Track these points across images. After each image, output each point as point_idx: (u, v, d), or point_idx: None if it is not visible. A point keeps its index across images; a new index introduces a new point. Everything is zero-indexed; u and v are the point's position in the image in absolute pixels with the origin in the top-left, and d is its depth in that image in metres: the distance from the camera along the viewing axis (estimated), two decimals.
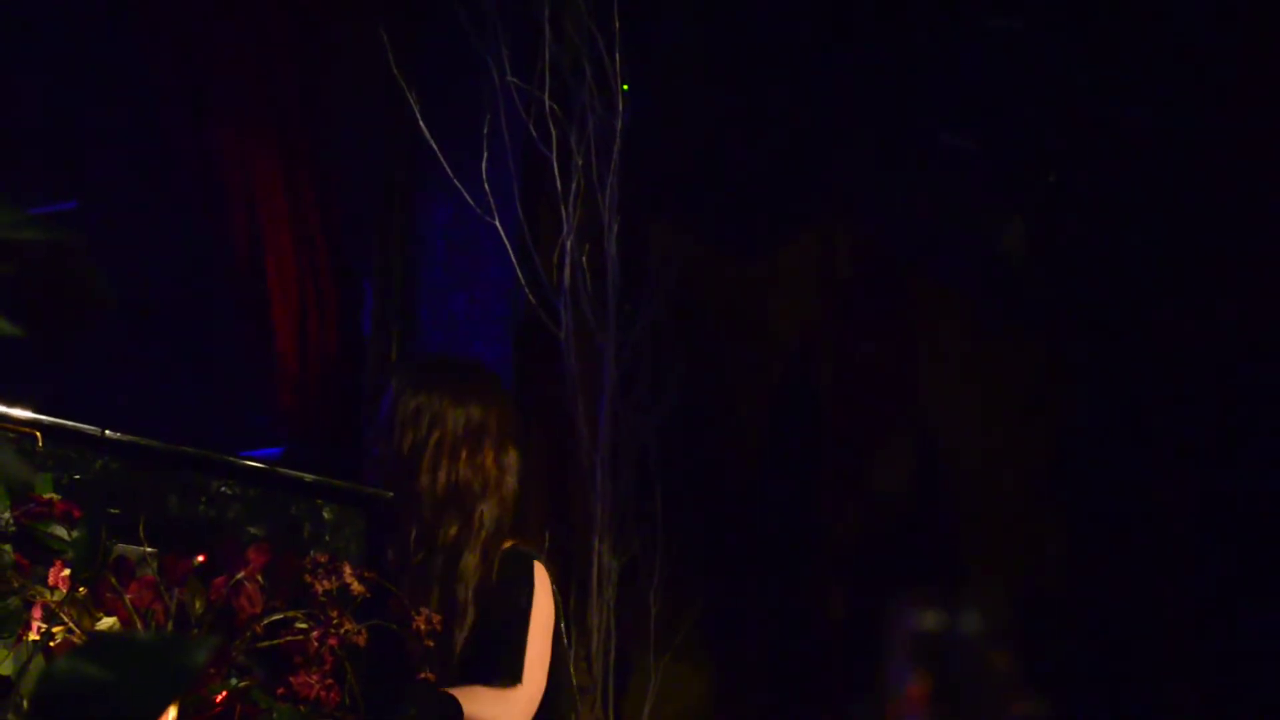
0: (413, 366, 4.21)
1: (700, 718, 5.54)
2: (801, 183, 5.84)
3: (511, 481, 3.90)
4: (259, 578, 2.95)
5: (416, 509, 3.83)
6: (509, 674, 3.74)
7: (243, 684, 2.90)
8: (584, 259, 5.11)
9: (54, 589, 2.83)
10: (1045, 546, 5.87)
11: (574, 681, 4.79)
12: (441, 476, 3.85)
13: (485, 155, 5.11)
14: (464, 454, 3.87)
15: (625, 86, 5.15)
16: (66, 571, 2.84)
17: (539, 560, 3.91)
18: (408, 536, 3.83)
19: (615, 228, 5.12)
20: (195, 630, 2.88)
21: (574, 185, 5.12)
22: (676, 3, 5.67)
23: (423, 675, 3.40)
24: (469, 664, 3.75)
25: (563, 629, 4.02)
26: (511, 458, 3.92)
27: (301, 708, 2.93)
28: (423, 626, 3.21)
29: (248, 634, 2.92)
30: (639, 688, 5.17)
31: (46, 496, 2.87)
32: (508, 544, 3.90)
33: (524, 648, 3.77)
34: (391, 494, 3.73)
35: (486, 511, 3.86)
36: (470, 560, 3.81)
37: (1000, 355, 5.92)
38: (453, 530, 3.83)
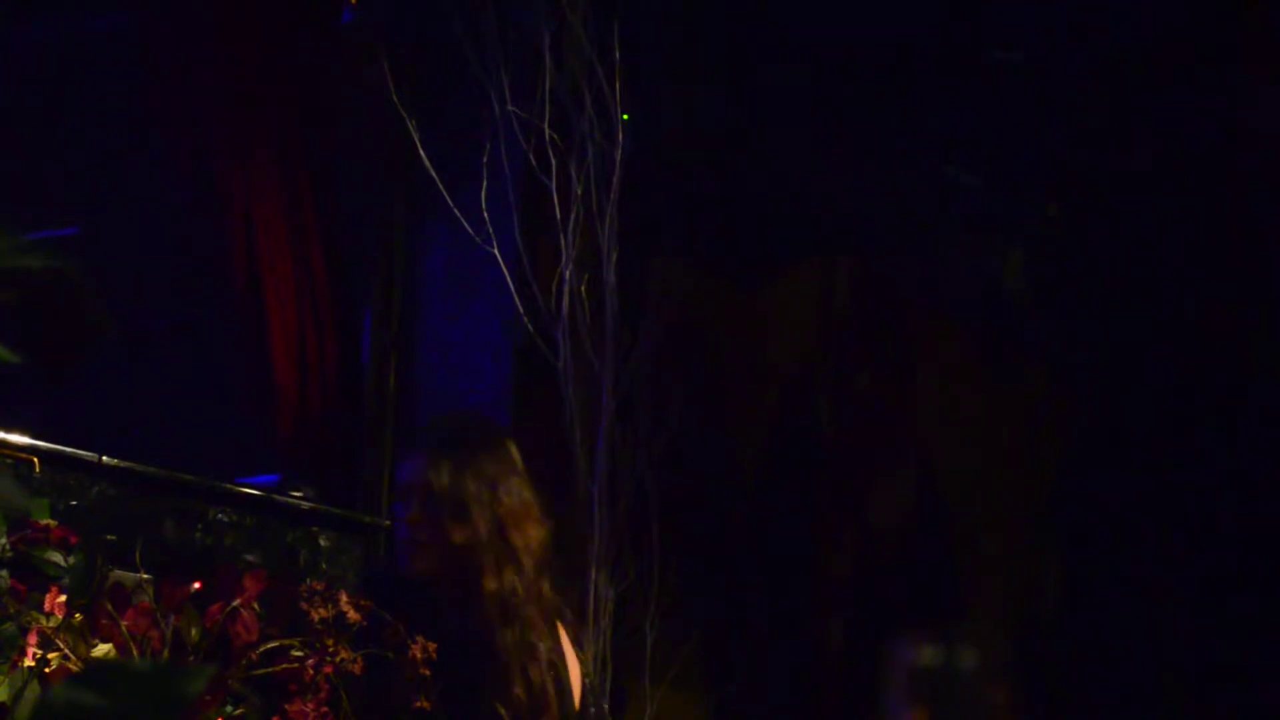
0: (441, 443, 3.97)
1: None
2: (802, 213, 5.84)
3: (549, 535, 3.85)
4: (255, 605, 2.95)
5: (479, 603, 3.72)
6: None
7: (238, 712, 2.89)
8: (583, 288, 5.11)
9: (50, 615, 2.82)
10: (1043, 580, 5.86)
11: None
12: (505, 572, 3.75)
13: (484, 183, 5.11)
14: (520, 531, 3.79)
15: (625, 116, 5.15)
16: (62, 598, 2.84)
17: (561, 620, 3.90)
18: (475, 624, 3.70)
19: (614, 257, 5.12)
20: (191, 658, 2.87)
21: (573, 214, 5.12)
22: (677, 33, 5.68)
23: (418, 704, 3.40)
24: None
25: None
26: (537, 513, 3.87)
27: None
28: (418, 655, 3.21)
29: (243, 661, 2.92)
30: (635, 717, 5.16)
31: (43, 522, 2.87)
32: None
33: None
34: (388, 522, 3.73)
35: (544, 581, 3.80)
36: (540, 635, 3.75)
37: (999, 387, 5.92)
38: (520, 612, 3.74)
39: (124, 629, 2.86)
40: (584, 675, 3.92)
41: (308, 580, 3.12)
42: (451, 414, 5.07)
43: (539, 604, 3.79)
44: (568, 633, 3.91)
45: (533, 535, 3.80)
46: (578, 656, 3.91)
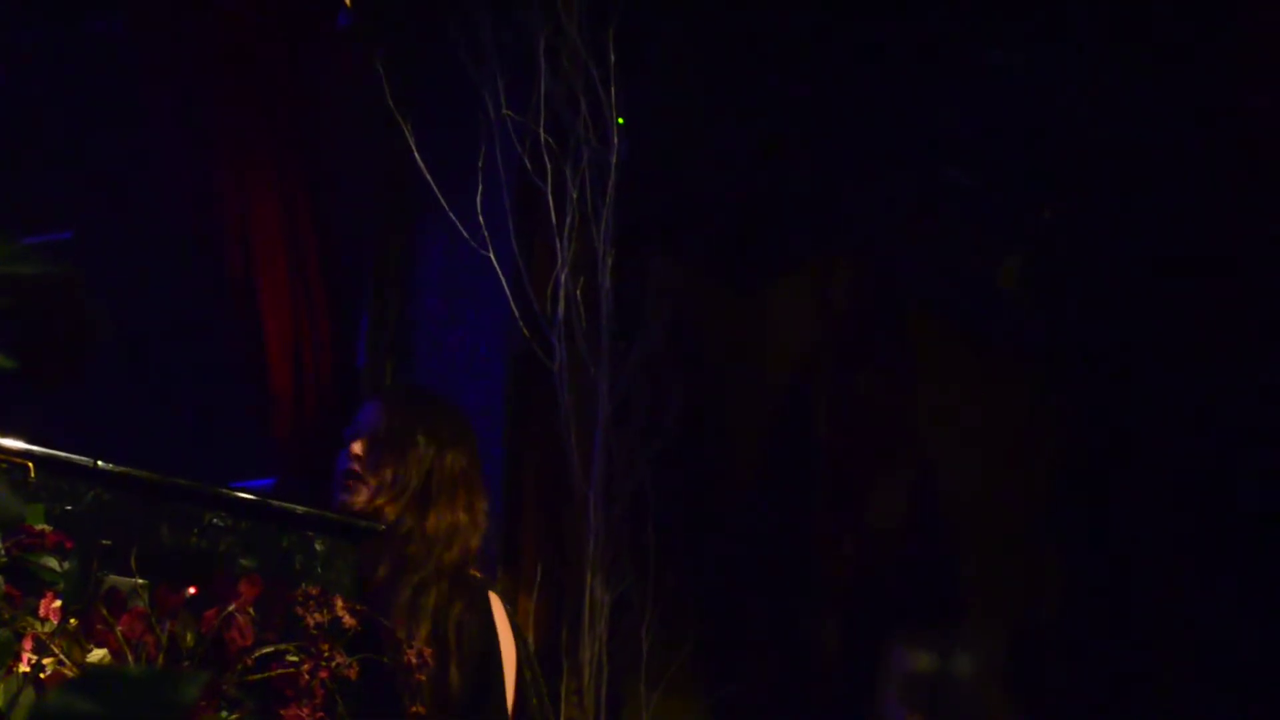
0: (412, 399, 4.32)
1: None
2: (798, 215, 5.84)
3: (484, 524, 4.09)
4: (250, 610, 2.95)
5: (406, 542, 3.93)
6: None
7: (233, 717, 2.88)
8: (578, 292, 5.10)
9: (45, 620, 2.82)
10: (1042, 584, 5.86)
11: (563, 714, 4.82)
12: (435, 516, 4.00)
13: (480, 188, 5.11)
14: (461, 496, 4.01)
15: (620, 119, 5.15)
16: (58, 603, 2.83)
17: (493, 590, 4.07)
18: (386, 564, 3.93)
19: (610, 260, 5.12)
20: (186, 663, 2.87)
21: (569, 218, 5.11)
22: (672, 36, 5.68)
23: (414, 709, 3.39)
24: (465, 704, 3.85)
25: (550, 661, 4.05)
26: (485, 503, 4.11)
27: None
28: (414, 660, 3.21)
29: (239, 667, 2.91)
30: None
31: (38, 527, 2.86)
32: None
33: (504, 696, 3.90)
34: (384, 527, 3.78)
35: (468, 549, 3.98)
36: (455, 596, 3.91)
37: (997, 389, 5.92)
38: (435, 566, 3.93)
39: (119, 634, 2.86)
40: (522, 655, 4.07)
41: (303, 585, 3.11)
42: (424, 384, 5.20)
43: (460, 565, 4.00)
44: (504, 608, 4.06)
45: (464, 508, 3.99)
46: (515, 634, 4.05)
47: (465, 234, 5.12)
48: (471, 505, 4.05)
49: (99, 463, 3.10)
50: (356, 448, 4.09)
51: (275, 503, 3.43)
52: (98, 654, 2.85)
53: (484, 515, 4.08)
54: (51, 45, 5.82)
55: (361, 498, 4.04)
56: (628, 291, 5.22)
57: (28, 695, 2.76)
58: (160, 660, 2.85)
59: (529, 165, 5.13)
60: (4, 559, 2.82)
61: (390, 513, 3.99)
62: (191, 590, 2.95)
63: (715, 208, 5.70)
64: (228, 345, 5.54)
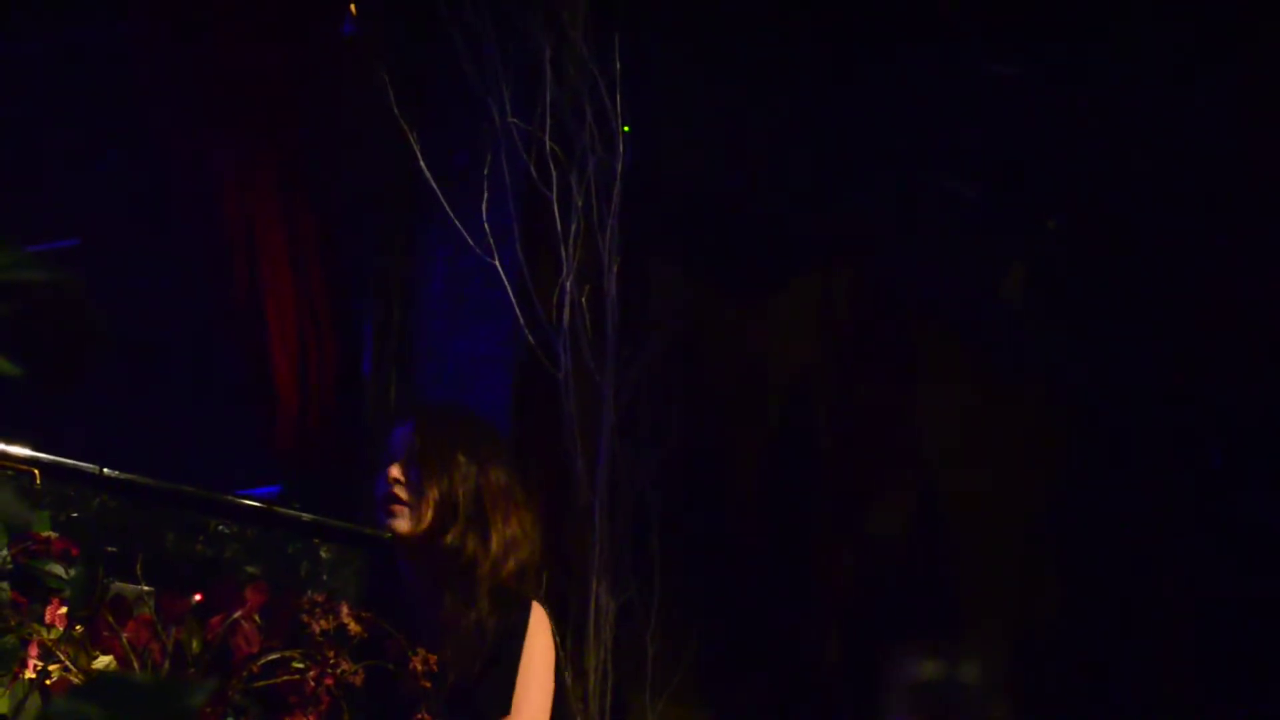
0: (445, 417, 4.27)
1: None
2: (802, 225, 5.84)
3: (537, 536, 4.04)
4: (256, 617, 2.95)
5: (473, 565, 3.91)
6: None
7: None
8: (583, 300, 5.11)
9: (51, 627, 2.82)
10: (1045, 594, 5.86)
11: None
12: (496, 534, 3.96)
13: (485, 196, 5.11)
14: (515, 509, 3.99)
15: (625, 128, 5.15)
16: (63, 609, 2.84)
17: (539, 602, 4.00)
18: (429, 581, 3.90)
19: (615, 269, 5.12)
20: (192, 670, 2.87)
21: (574, 226, 5.12)
22: (677, 45, 5.68)
23: (419, 716, 3.40)
24: (477, 707, 3.84)
25: (561, 669, 4.06)
26: (533, 514, 4.06)
27: None
28: (419, 667, 3.21)
29: (244, 673, 2.92)
30: None
31: (44, 534, 2.87)
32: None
33: (511, 695, 3.89)
34: (389, 536, 3.77)
35: (523, 562, 3.97)
36: (490, 611, 3.89)
37: (999, 400, 5.92)
38: (492, 582, 3.91)
39: (125, 641, 2.86)
40: (561, 657, 4.07)
41: (309, 592, 3.12)
42: (452, 401, 5.19)
43: (517, 578, 3.97)
44: (549, 624, 4.02)
45: (517, 521, 3.98)
46: (556, 643, 4.04)
47: (471, 242, 5.12)
48: (524, 518, 4.03)
49: (105, 470, 3.11)
50: (395, 471, 4.00)
51: (281, 510, 3.43)
52: (103, 661, 2.86)
53: (534, 526, 4.06)
54: (57, 54, 5.83)
55: (409, 523, 3.96)
56: (633, 299, 5.22)
57: (33, 701, 2.77)
58: (166, 667, 2.86)
59: (534, 173, 5.14)
60: (10, 566, 2.83)
61: (451, 539, 3.94)
62: (197, 597, 2.95)
63: (720, 216, 5.71)
64: (233, 353, 5.54)
